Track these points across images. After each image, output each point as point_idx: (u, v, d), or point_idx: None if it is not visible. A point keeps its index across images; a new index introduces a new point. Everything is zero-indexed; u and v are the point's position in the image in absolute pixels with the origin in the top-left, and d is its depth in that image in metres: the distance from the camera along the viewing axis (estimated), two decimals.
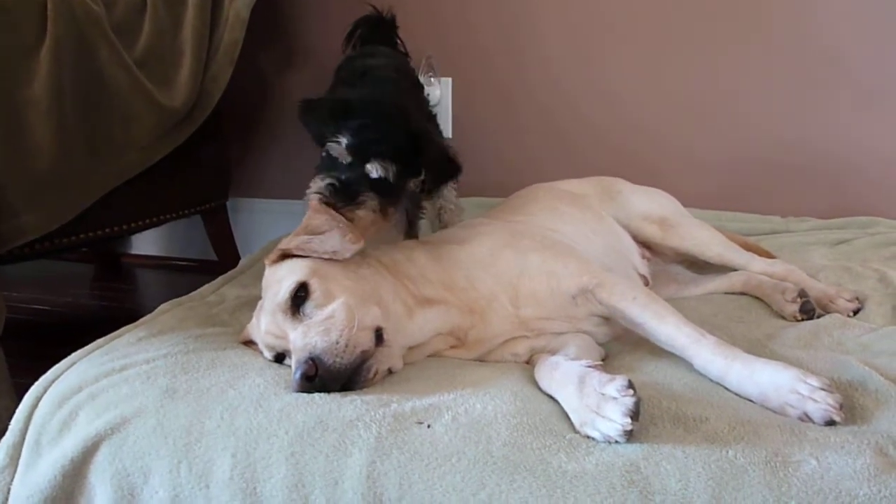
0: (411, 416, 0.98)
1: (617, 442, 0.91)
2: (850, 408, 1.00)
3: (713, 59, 2.17)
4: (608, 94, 2.27)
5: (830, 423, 0.96)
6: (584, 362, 1.03)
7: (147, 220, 2.12)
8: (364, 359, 1.06)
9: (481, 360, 1.22)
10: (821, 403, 0.97)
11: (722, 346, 1.09)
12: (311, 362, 1.03)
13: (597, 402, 0.95)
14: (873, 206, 2.06)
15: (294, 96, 2.58)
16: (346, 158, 1.34)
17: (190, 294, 1.52)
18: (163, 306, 1.43)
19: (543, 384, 1.07)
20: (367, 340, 1.07)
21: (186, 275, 2.74)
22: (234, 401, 1.03)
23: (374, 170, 1.31)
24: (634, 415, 0.92)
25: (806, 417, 0.97)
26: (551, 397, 1.04)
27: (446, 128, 2.41)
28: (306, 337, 1.06)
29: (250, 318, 1.31)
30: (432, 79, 2.34)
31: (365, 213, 1.31)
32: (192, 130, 2.05)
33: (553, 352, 1.18)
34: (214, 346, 1.21)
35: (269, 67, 2.58)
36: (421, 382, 1.09)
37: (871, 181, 2.10)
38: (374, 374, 1.08)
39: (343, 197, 1.30)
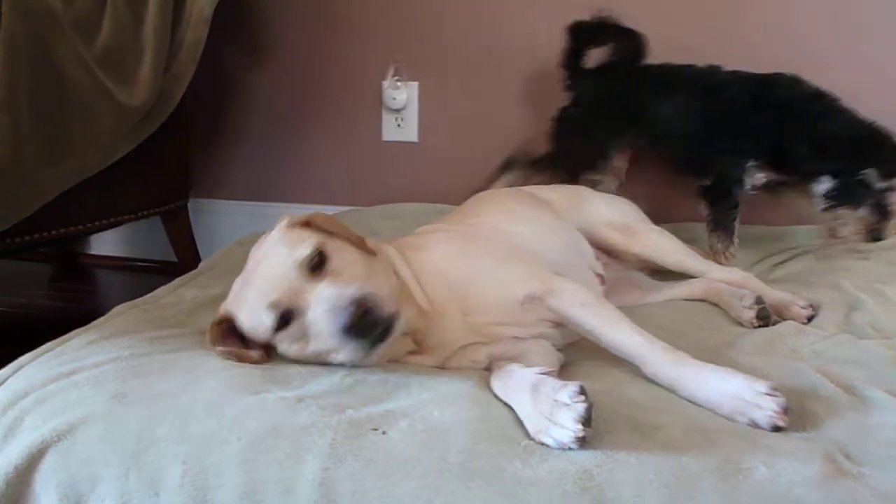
0: (367, 423, 0.97)
1: (570, 448, 0.91)
2: (802, 414, 1.02)
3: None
4: None
5: (777, 428, 0.97)
6: (537, 369, 1.03)
7: (106, 220, 2.09)
8: (398, 316, 1.07)
9: (441, 366, 1.21)
10: (766, 409, 0.98)
11: (671, 352, 1.10)
12: (360, 301, 1.02)
13: (550, 409, 0.95)
14: None
15: (259, 95, 2.59)
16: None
17: (146, 296, 1.49)
18: (117, 308, 1.40)
19: (499, 391, 1.07)
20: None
21: (146, 276, 2.69)
22: (185, 406, 1.01)
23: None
24: (586, 421, 0.92)
25: (753, 423, 0.98)
26: (507, 404, 1.04)
27: (413, 132, 2.41)
28: (342, 287, 1.05)
29: (209, 319, 1.29)
30: (399, 83, 2.34)
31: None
32: (153, 130, 2.02)
33: (512, 359, 1.18)
34: (168, 350, 1.19)
35: (234, 66, 2.55)
36: (378, 389, 1.08)
37: None
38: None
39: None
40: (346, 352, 1.07)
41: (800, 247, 1.97)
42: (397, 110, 2.38)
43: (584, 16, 2.09)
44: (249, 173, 2.62)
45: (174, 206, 2.35)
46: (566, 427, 0.91)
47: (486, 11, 2.28)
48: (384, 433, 0.95)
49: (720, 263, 1.74)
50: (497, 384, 1.08)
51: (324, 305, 1.05)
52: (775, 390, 1.00)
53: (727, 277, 1.62)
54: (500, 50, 2.30)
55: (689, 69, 1.85)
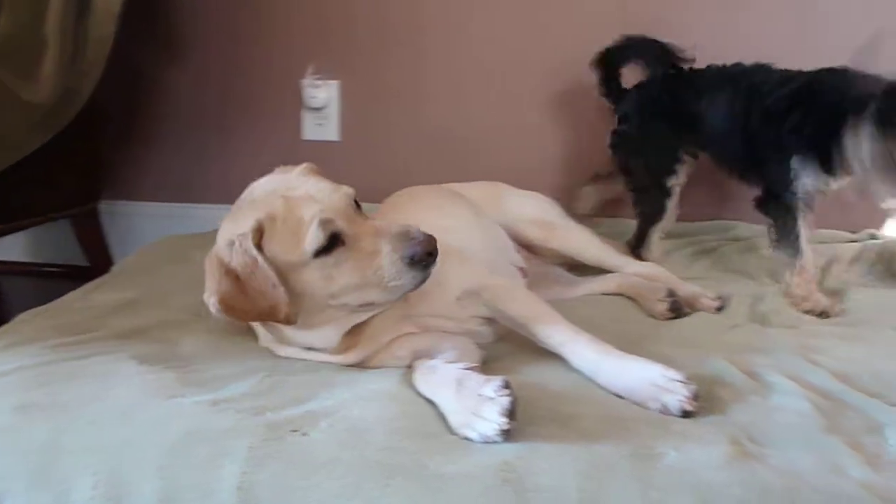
0: (286, 425, 0.96)
1: (495, 441, 0.93)
2: (710, 401, 1.07)
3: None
4: (497, 98, 2.31)
5: (686, 413, 1.02)
6: (461, 365, 1.05)
7: (10, 224, 1.99)
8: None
9: (361, 365, 1.21)
10: (677, 395, 1.03)
11: (596, 343, 1.14)
12: (430, 237, 1.08)
13: (474, 404, 0.96)
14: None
15: (176, 93, 2.51)
16: None
17: (54, 302, 1.43)
18: (21, 316, 1.34)
19: (422, 388, 1.08)
20: None
21: (55, 282, 2.57)
22: (97, 414, 0.98)
23: None
24: (511, 414, 0.94)
25: (665, 409, 1.03)
26: (430, 401, 1.05)
27: (333, 131, 2.39)
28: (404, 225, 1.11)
29: (124, 324, 1.25)
30: (319, 82, 2.31)
31: None
32: (60, 128, 1.93)
33: (434, 356, 1.19)
34: (77, 356, 1.15)
35: (149, 63, 2.46)
36: (299, 390, 1.07)
37: None
38: None
39: None
40: (407, 282, 1.10)
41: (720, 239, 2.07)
42: (318, 109, 2.35)
43: (510, 10, 2.14)
44: (165, 174, 2.54)
45: (84, 209, 2.26)
46: (491, 420, 0.93)
47: (409, 9, 2.29)
48: (304, 434, 0.94)
49: (793, 294, 1.60)
50: (420, 380, 1.09)
51: (400, 233, 1.09)
52: (688, 379, 1.05)
53: (641, 271, 1.68)
54: (421, 47, 2.31)
55: (732, 69, 1.78)
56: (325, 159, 2.37)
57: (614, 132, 1.94)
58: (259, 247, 1.07)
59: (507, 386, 0.96)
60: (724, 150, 1.77)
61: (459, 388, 1.00)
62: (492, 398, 0.95)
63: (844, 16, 2.00)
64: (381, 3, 2.30)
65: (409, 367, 1.20)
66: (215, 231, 1.96)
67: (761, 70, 1.71)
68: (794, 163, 1.57)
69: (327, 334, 1.17)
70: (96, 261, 2.32)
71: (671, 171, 1.85)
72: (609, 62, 1.94)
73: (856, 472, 0.90)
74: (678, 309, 1.52)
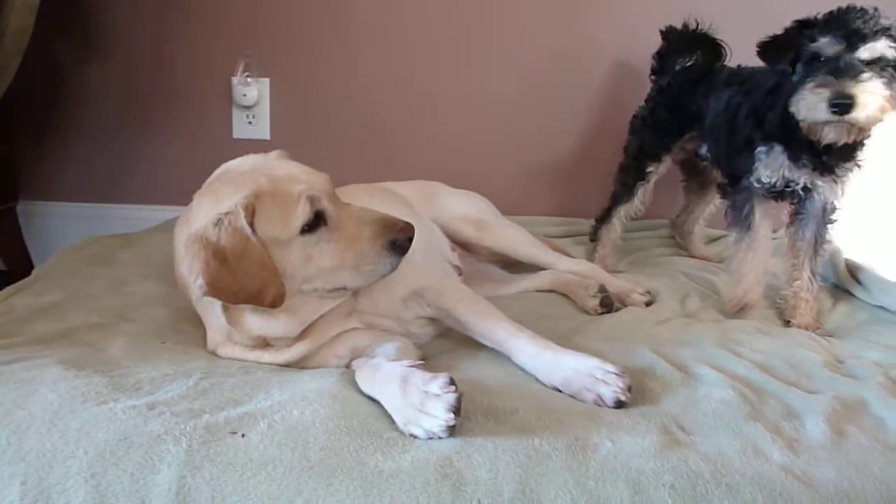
0: (225, 427, 0.94)
1: (440, 437, 0.94)
2: (641, 392, 1.11)
3: (520, 64, 2.28)
4: (426, 96, 2.32)
5: (619, 404, 1.06)
6: (406, 362, 1.06)
7: None
8: None
9: (301, 365, 1.20)
10: (611, 386, 1.07)
11: (536, 339, 1.18)
12: (409, 225, 1.16)
13: (420, 400, 0.97)
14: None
15: (97, 90, 2.43)
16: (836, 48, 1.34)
17: None
18: None
19: (365, 386, 1.08)
20: None
21: None
22: (22, 422, 0.94)
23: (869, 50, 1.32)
24: (456, 410, 0.95)
25: (599, 400, 1.07)
26: (373, 399, 1.05)
27: (264, 129, 2.35)
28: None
29: (47, 328, 1.22)
30: (249, 79, 2.27)
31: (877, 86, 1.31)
32: None
33: (373, 355, 1.19)
34: None
35: (70, 59, 2.37)
36: (236, 391, 1.05)
37: None
38: None
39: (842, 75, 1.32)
40: (384, 266, 1.15)
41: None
42: (248, 107, 2.31)
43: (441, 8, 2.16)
44: (87, 173, 2.45)
45: (1, 209, 2.16)
46: (437, 417, 0.94)
47: (339, 7, 2.27)
48: (243, 436, 0.93)
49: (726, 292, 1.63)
50: (363, 379, 1.09)
51: (381, 219, 1.15)
52: (623, 372, 1.09)
53: (573, 268, 1.72)
54: (352, 45, 2.30)
55: (743, 71, 1.77)
56: None
57: (634, 115, 1.98)
58: (251, 225, 1.07)
59: (452, 383, 0.97)
60: (717, 145, 1.79)
61: (404, 385, 1.00)
62: (437, 395, 0.96)
63: None
64: (312, 1, 2.28)
65: (348, 367, 1.20)
66: (142, 231, 1.93)
67: (767, 72, 1.68)
68: (759, 153, 1.55)
69: (291, 322, 1.17)
70: (15, 264, 2.23)
71: (656, 158, 1.90)
72: (669, 43, 1.94)
73: (776, 455, 0.95)
74: (609, 304, 1.57)
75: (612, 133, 2.13)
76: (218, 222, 1.06)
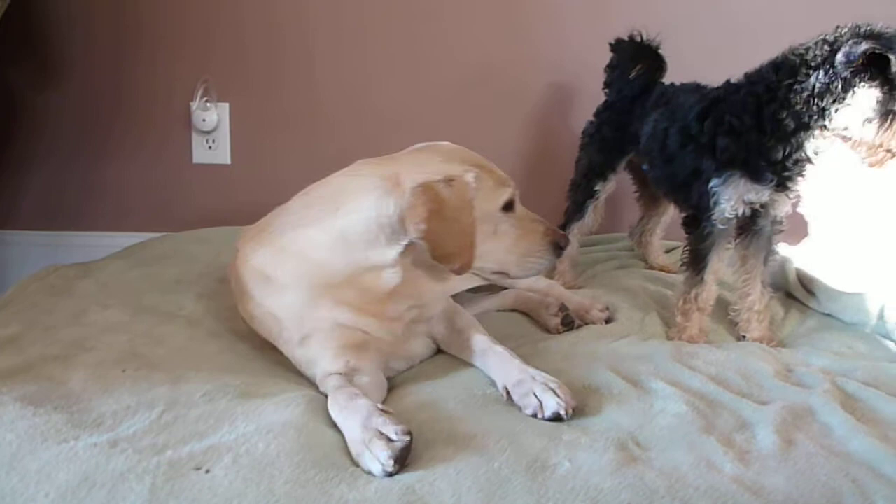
0: (189, 462, 0.95)
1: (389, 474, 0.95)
2: (599, 410, 1.14)
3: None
4: (385, 115, 2.34)
5: (557, 417, 1.10)
6: (379, 405, 1.07)
7: None
8: None
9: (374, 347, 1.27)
10: (559, 399, 1.12)
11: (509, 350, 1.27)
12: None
13: (370, 438, 0.99)
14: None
15: (54, 117, 2.40)
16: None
17: None
18: None
19: (334, 410, 1.10)
20: None
21: None
22: None
23: None
24: (399, 460, 0.96)
25: (540, 409, 1.12)
26: (337, 426, 1.07)
27: (225, 153, 2.35)
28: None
29: (4, 362, 1.22)
30: (209, 104, 2.27)
31: None
32: None
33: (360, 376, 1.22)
34: None
35: (24, 85, 2.35)
36: (200, 424, 1.05)
37: None
38: None
39: None
40: (544, 262, 1.31)
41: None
42: (208, 132, 2.31)
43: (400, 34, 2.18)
44: (46, 201, 2.42)
45: None
46: (379, 459, 0.96)
47: (297, 31, 2.29)
48: (207, 471, 0.93)
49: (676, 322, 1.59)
50: (335, 403, 1.11)
51: (545, 222, 1.32)
52: (561, 386, 1.15)
53: (533, 286, 1.75)
54: (311, 69, 2.31)
55: (669, 88, 1.80)
56: (215, 183, 2.37)
57: (584, 130, 1.99)
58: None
59: (407, 433, 0.99)
60: (654, 169, 1.78)
61: (366, 421, 1.02)
62: (389, 440, 0.98)
63: None
64: (270, 25, 2.29)
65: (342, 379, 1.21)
66: (103, 259, 1.91)
67: (687, 90, 1.72)
68: (715, 186, 1.50)
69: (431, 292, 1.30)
70: None
71: (603, 176, 1.91)
72: (617, 55, 1.93)
73: (728, 467, 0.99)
74: (570, 323, 1.60)
75: (561, 148, 2.17)
76: (448, 181, 1.17)
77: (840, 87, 1.35)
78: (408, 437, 0.98)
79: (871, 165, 1.42)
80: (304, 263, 1.23)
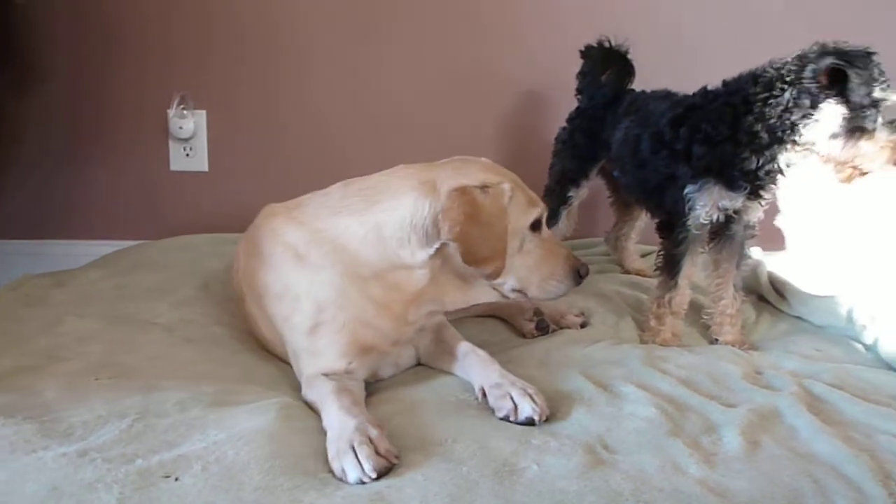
0: (158, 471, 0.95)
1: (346, 482, 0.96)
2: (569, 414, 1.15)
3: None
4: (363, 124, 2.35)
5: (529, 421, 1.12)
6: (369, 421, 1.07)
7: None
8: None
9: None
10: (535, 405, 1.13)
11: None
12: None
13: (360, 441, 1.00)
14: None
15: (31, 126, 2.39)
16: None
17: None
18: None
19: (332, 407, 1.10)
20: None
21: None
22: None
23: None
24: (380, 475, 0.97)
25: (513, 413, 1.14)
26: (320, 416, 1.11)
27: (202, 161, 2.35)
28: None
29: None
30: (186, 112, 2.27)
31: None
32: None
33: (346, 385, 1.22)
34: None
35: (1, 92, 2.33)
36: (170, 433, 1.05)
37: None
38: None
39: None
40: (564, 287, 1.31)
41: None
42: (185, 139, 2.31)
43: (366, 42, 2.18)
44: (22, 210, 2.41)
45: None
46: (363, 466, 0.96)
47: (271, 37, 2.30)
48: (177, 480, 0.94)
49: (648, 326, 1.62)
50: (333, 403, 1.12)
51: (569, 248, 1.37)
52: (537, 392, 1.17)
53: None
54: (287, 73, 2.32)
55: (639, 95, 1.81)
56: (193, 190, 2.37)
57: (556, 137, 2.00)
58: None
59: (396, 458, 1.00)
60: (625, 176, 1.80)
61: (361, 426, 1.04)
62: (379, 452, 0.99)
63: None
64: (247, 33, 2.30)
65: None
66: (79, 268, 1.90)
67: (658, 97, 1.74)
68: (690, 193, 1.52)
69: (457, 299, 1.31)
70: None
71: (576, 183, 1.93)
72: (588, 61, 1.94)
73: (693, 469, 1.00)
74: (545, 327, 1.61)
75: (535, 154, 2.16)
76: (484, 188, 1.21)
77: (809, 102, 1.38)
78: (395, 461, 0.99)
79: (841, 181, 1.45)
80: (339, 250, 1.25)
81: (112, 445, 1.01)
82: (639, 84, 1.88)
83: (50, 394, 1.19)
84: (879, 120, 1.36)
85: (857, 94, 1.34)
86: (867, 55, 1.35)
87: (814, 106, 1.38)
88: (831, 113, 1.37)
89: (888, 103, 1.35)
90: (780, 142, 1.43)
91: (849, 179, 1.44)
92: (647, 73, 1.90)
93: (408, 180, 1.25)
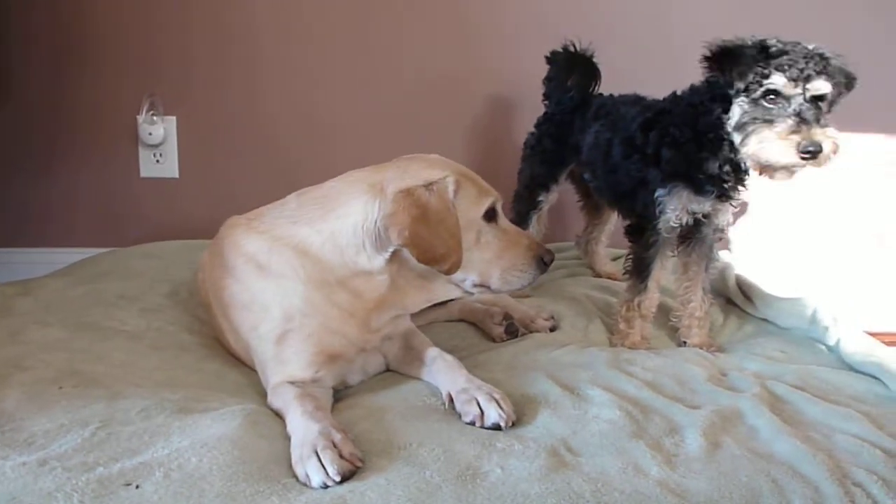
0: (118, 479, 0.94)
1: (309, 486, 0.96)
2: (534, 417, 1.16)
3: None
4: (331, 128, 2.35)
5: (496, 427, 1.12)
6: (335, 427, 1.07)
7: None
8: None
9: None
10: (502, 411, 1.13)
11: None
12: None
13: (324, 445, 1.00)
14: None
15: None
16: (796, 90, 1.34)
17: None
18: None
19: (296, 413, 1.10)
20: None
21: None
22: None
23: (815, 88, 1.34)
24: (344, 478, 0.97)
25: (480, 419, 1.14)
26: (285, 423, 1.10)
27: (173, 167, 2.34)
28: None
29: None
30: (155, 117, 2.26)
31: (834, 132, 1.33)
32: None
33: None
34: None
35: None
36: (133, 440, 1.04)
37: None
38: None
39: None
40: (527, 276, 1.28)
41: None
42: (155, 145, 2.30)
43: (344, 46, 2.19)
44: None
45: None
46: (327, 470, 0.96)
47: (242, 42, 2.29)
48: (137, 487, 0.93)
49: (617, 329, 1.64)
50: (297, 409, 1.11)
51: (532, 236, 1.36)
52: (504, 398, 1.17)
53: (481, 297, 1.76)
54: (257, 79, 2.32)
55: (608, 100, 1.83)
56: (164, 196, 2.36)
57: (525, 142, 2.01)
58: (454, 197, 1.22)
59: (360, 461, 1.00)
60: (596, 179, 1.81)
61: (325, 430, 1.04)
62: (343, 457, 0.99)
63: None
64: (217, 38, 2.30)
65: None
66: (45, 276, 1.88)
67: (627, 101, 1.75)
68: (660, 196, 1.54)
69: (416, 301, 1.32)
70: None
71: (545, 188, 1.94)
72: (554, 66, 1.95)
73: (654, 471, 1.02)
74: (515, 331, 1.62)
75: (504, 160, 2.18)
76: (429, 186, 1.20)
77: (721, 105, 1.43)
78: (360, 465, 0.99)
79: (772, 179, 1.43)
80: (301, 257, 1.25)
81: (73, 454, 1.00)
82: (612, 88, 1.89)
83: (11, 403, 1.18)
84: (789, 111, 1.34)
85: (737, 81, 1.38)
86: (748, 45, 1.38)
87: (727, 104, 1.42)
88: (738, 111, 1.41)
89: (798, 93, 1.34)
90: (731, 144, 1.45)
91: (772, 178, 1.42)
92: (619, 77, 1.92)
93: (357, 185, 1.26)
